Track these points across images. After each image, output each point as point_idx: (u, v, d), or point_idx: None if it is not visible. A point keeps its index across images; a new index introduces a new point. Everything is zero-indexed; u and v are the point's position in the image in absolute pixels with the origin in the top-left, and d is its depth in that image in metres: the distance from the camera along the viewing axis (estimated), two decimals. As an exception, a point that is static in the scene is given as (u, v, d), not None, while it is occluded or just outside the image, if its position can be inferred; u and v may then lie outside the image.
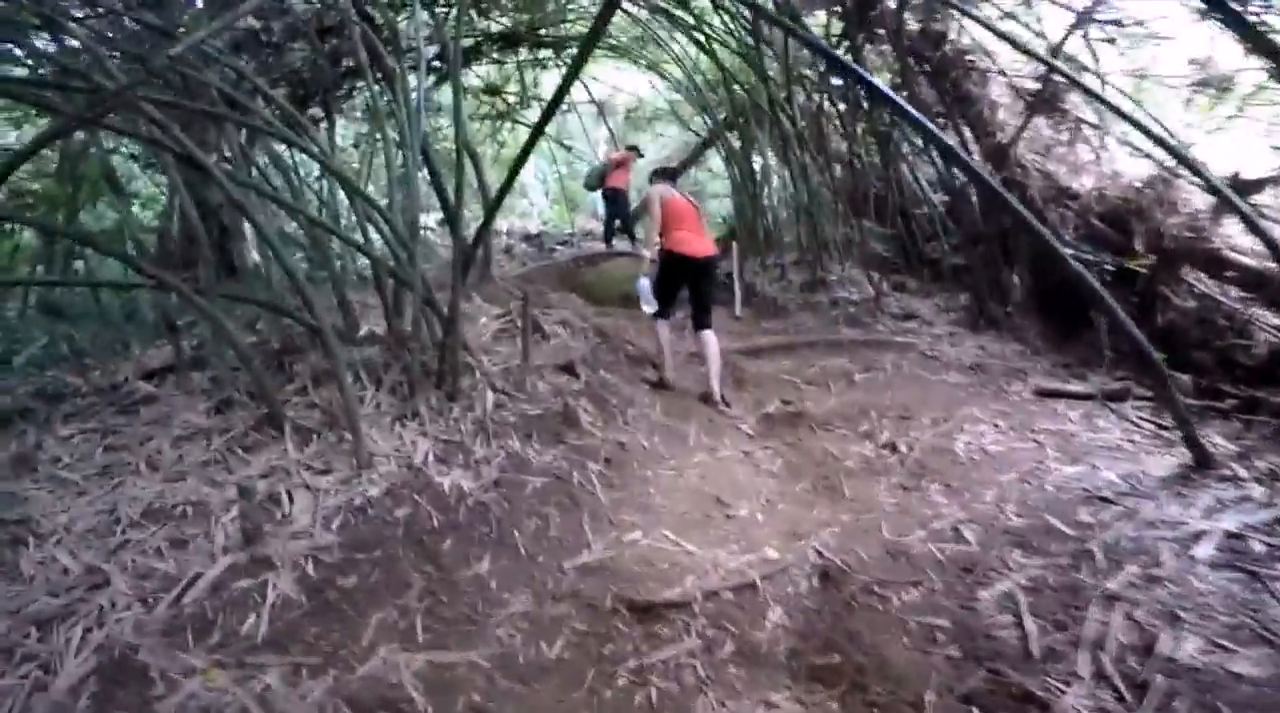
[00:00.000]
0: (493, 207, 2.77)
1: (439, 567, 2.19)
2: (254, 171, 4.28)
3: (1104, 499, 2.43)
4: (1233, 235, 3.67)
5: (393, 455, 2.82)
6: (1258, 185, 3.51)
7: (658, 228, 3.92)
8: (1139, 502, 2.36)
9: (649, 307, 3.96)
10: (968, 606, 1.99)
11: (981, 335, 4.64)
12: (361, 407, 3.10)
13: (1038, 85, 4.22)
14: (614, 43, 7.54)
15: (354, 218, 4.26)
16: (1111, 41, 3.90)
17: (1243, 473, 2.46)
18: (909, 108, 2.43)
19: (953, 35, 4.40)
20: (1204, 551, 2.05)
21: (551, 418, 3.02)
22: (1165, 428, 3.10)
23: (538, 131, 2.45)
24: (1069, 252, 2.35)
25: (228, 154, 3.79)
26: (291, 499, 2.51)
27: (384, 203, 4.00)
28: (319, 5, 4.95)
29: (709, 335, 3.84)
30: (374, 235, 3.60)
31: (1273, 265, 3.35)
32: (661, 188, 4.04)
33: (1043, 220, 4.99)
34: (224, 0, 4.95)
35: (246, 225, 3.87)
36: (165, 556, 2.18)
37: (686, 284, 3.93)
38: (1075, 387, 3.51)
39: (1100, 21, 3.67)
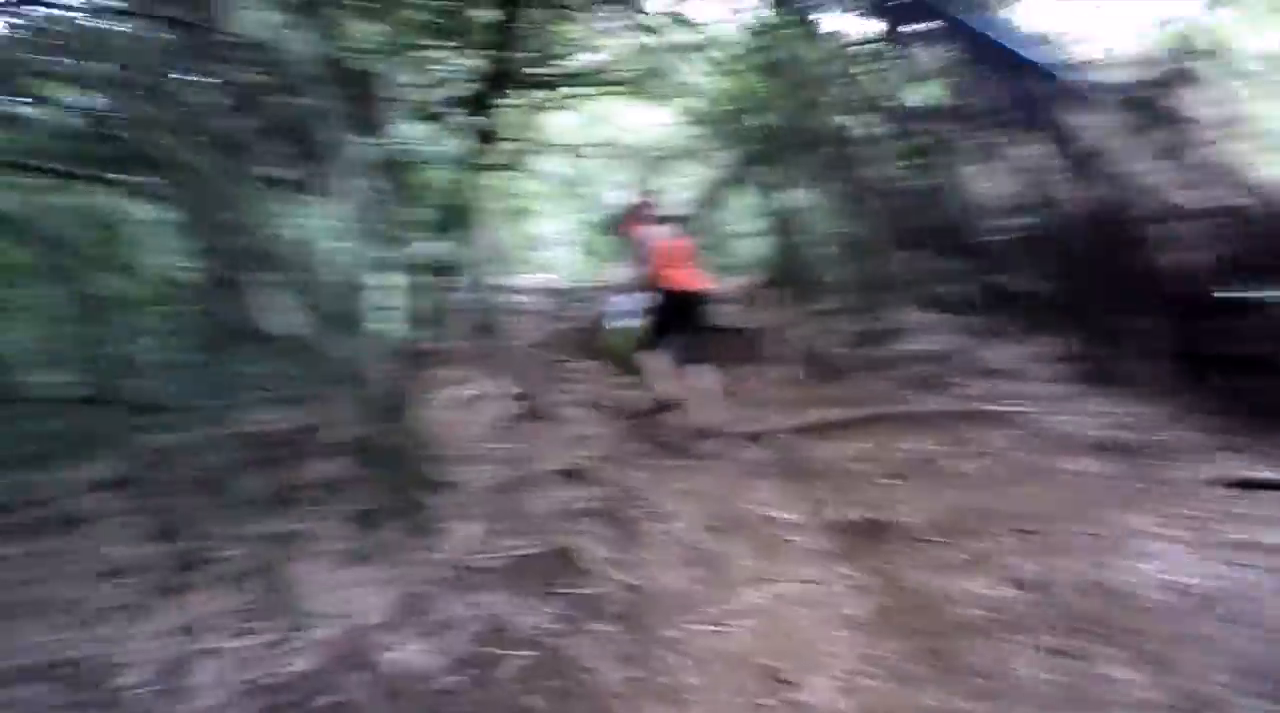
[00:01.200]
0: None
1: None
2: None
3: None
4: None
5: (336, 614, 2.12)
6: None
7: (644, 264, 3.86)
8: None
9: (614, 323, 4.00)
10: None
11: (1094, 396, 3.59)
12: (310, 542, 2.41)
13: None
14: (623, 75, 6.98)
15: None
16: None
17: None
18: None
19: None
20: None
21: (548, 556, 2.26)
22: None
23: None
24: None
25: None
26: (194, 668, 1.90)
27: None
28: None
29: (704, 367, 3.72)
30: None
31: None
32: (654, 230, 3.94)
33: (1141, 243, 4.11)
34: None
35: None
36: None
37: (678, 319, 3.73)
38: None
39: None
